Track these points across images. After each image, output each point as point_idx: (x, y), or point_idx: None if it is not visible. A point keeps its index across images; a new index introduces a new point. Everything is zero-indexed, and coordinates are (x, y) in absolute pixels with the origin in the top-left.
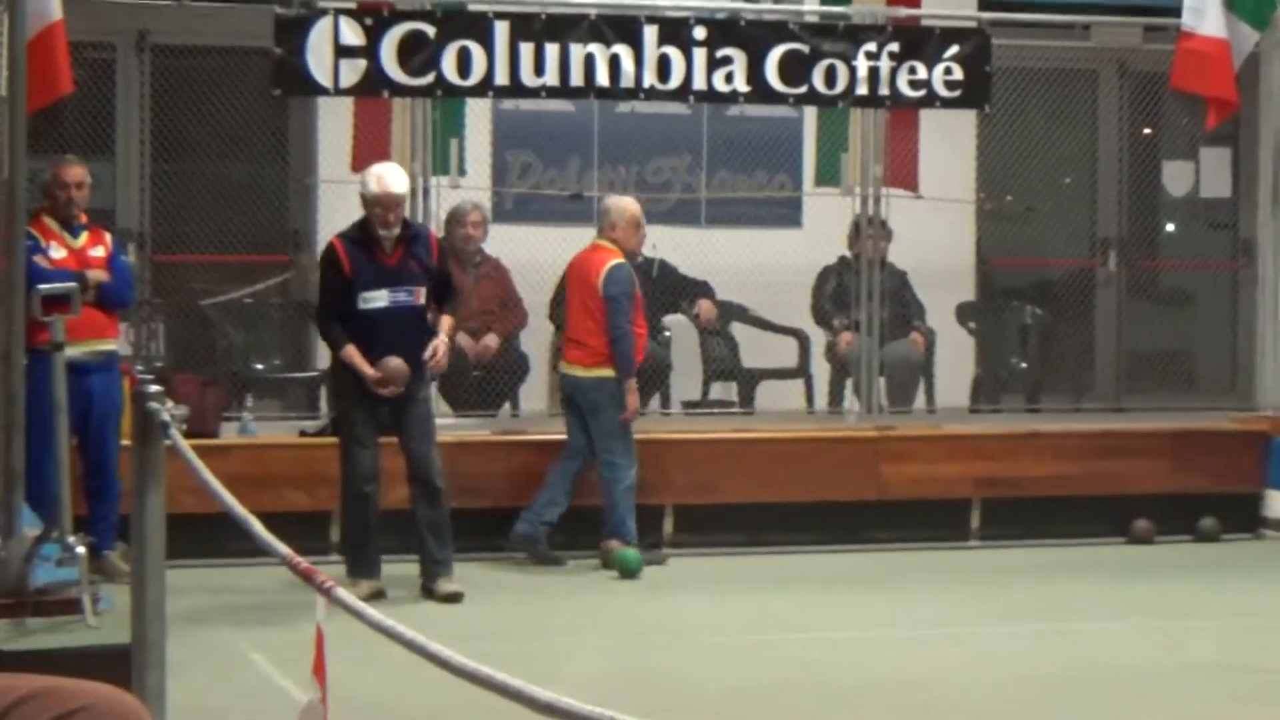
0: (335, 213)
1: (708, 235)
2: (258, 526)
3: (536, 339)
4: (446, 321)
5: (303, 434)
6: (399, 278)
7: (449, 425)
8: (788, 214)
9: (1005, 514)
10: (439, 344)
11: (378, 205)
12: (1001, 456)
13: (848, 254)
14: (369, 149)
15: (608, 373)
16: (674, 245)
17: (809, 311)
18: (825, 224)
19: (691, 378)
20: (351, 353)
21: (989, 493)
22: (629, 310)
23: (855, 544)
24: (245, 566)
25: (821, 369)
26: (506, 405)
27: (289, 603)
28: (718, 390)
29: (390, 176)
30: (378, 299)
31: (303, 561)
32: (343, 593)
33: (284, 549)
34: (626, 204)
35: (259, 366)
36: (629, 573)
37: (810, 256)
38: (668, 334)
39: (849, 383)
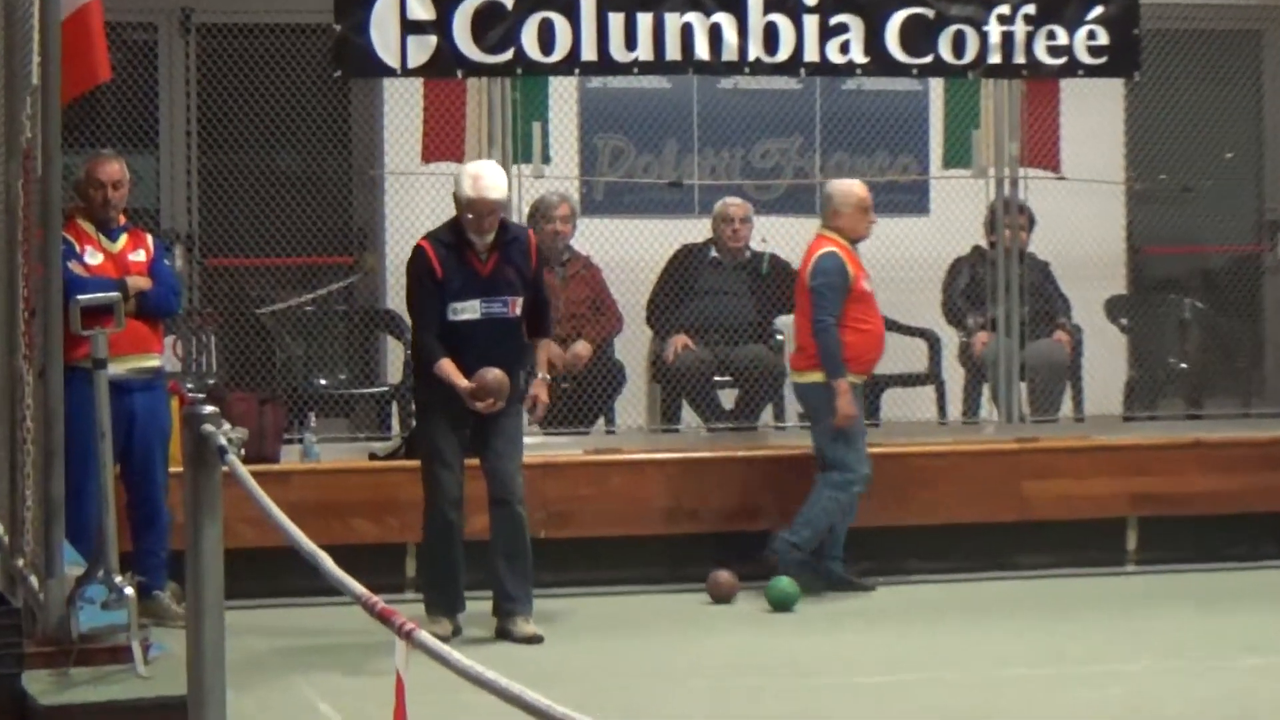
0: (404, 208)
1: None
2: (326, 561)
3: (633, 346)
4: (545, 353)
5: (373, 457)
6: (493, 287)
7: (534, 444)
8: (913, 200)
9: (1165, 534)
10: (539, 391)
11: (472, 210)
12: (1160, 470)
13: (982, 244)
14: (441, 136)
15: (818, 376)
16: (786, 238)
17: (939, 309)
18: (956, 211)
19: None
20: (447, 366)
21: (1147, 511)
22: (836, 302)
23: (995, 571)
24: (312, 606)
25: (954, 374)
26: (600, 421)
27: (360, 645)
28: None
29: (488, 178)
30: (468, 310)
31: (379, 601)
32: (425, 635)
33: (357, 587)
34: (850, 187)
35: (322, 382)
36: (783, 604)
37: (939, 247)
38: (780, 337)
39: (985, 389)
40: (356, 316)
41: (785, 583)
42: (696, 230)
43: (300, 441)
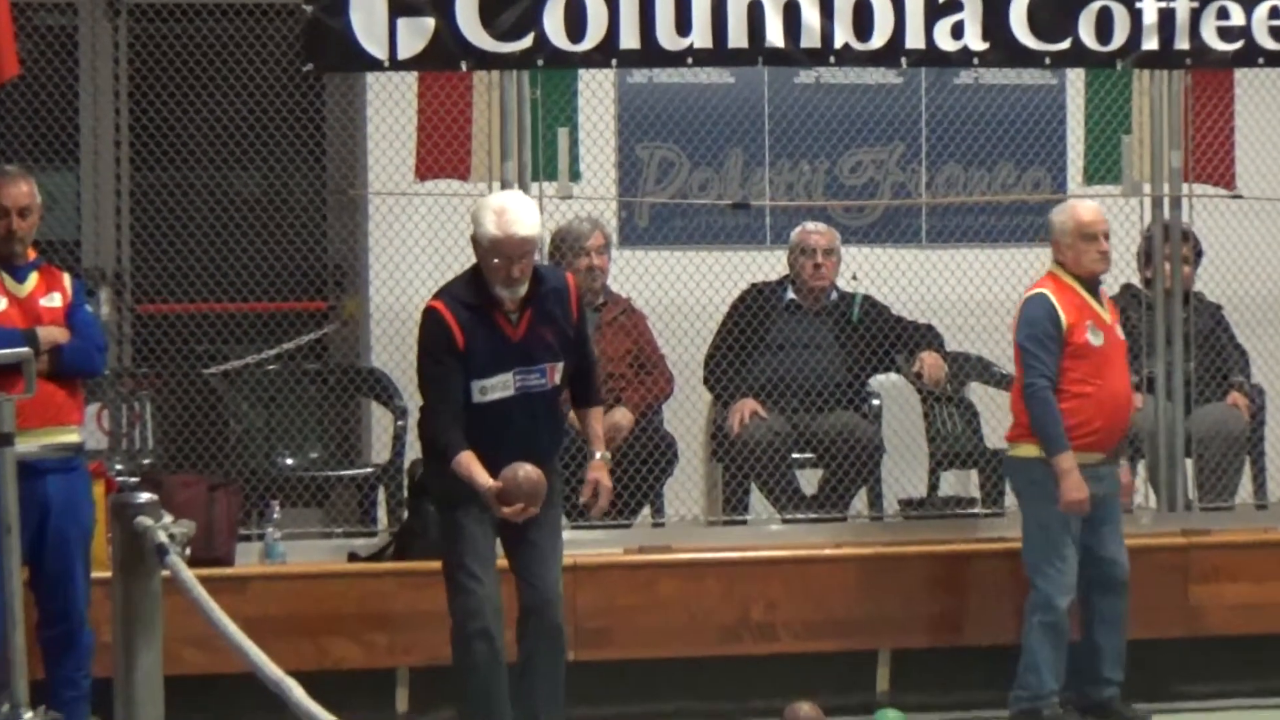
0: (393, 239)
1: (931, 258)
2: (295, 691)
3: (687, 414)
4: (598, 425)
5: (354, 558)
6: (528, 354)
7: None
8: (1046, 226)
9: None
10: (599, 475)
11: (499, 254)
12: None
13: (1135, 281)
14: (440, 147)
15: (1030, 450)
16: (882, 274)
17: None
18: None
19: (912, 464)
20: (468, 462)
21: None
22: (1046, 359)
23: (1157, 701)
24: None
25: None
26: (645, 511)
27: None
28: (950, 482)
29: (516, 210)
30: (499, 387)
31: None
32: None
33: None
34: (1068, 211)
35: (289, 461)
36: None
37: None
38: (876, 402)
39: (1141, 467)
40: (332, 378)
41: (894, 715)
42: (768, 265)
43: (261, 538)
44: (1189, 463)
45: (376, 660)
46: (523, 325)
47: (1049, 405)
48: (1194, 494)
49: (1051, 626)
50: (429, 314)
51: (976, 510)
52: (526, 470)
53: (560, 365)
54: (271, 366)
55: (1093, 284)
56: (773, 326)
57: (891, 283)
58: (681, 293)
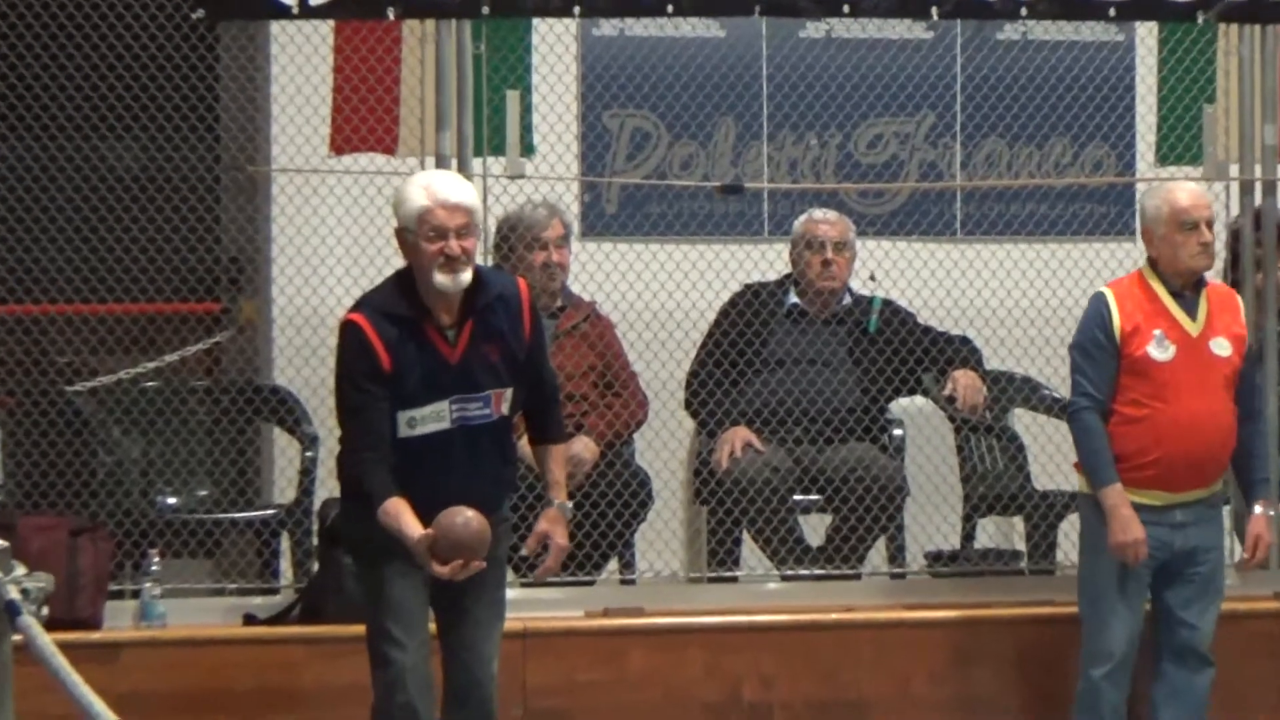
0: (302, 226)
1: (967, 255)
2: None
3: (664, 446)
4: (559, 467)
5: (251, 620)
6: (469, 378)
7: (510, 600)
8: (1111, 215)
9: None
10: (551, 528)
11: (431, 227)
12: None
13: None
14: (361, 115)
15: (1086, 484)
16: (907, 274)
17: None
18: None
19: (942, 509)
20: (398, 510)
21: None
22: (1095, 373)
23: None
24: None
25: None
26: (612, 564)
27: None
28: (989, 531)
29: (447, 178)
30: (432, 419)
31: None
32: None
33: None
34: (1161, 194)
35: (171, 502)
36: None
37: None
38: (899, 432)
39: (1231, 517)
40: (226, 398)
41: None
42: (766, 262)
43: (136, 595)
44: None
45: None
46: (461, 343)
47: (1088, 430)
48: None
49: (1084, 700)
50: (347, 330)
51: (1022, 567)
52: (466, 517)
53: (508, 392)
54: (150, 384)
55: (1190, 284)
56: (771, 338)
57: (918, 284)
58: (658, 295)
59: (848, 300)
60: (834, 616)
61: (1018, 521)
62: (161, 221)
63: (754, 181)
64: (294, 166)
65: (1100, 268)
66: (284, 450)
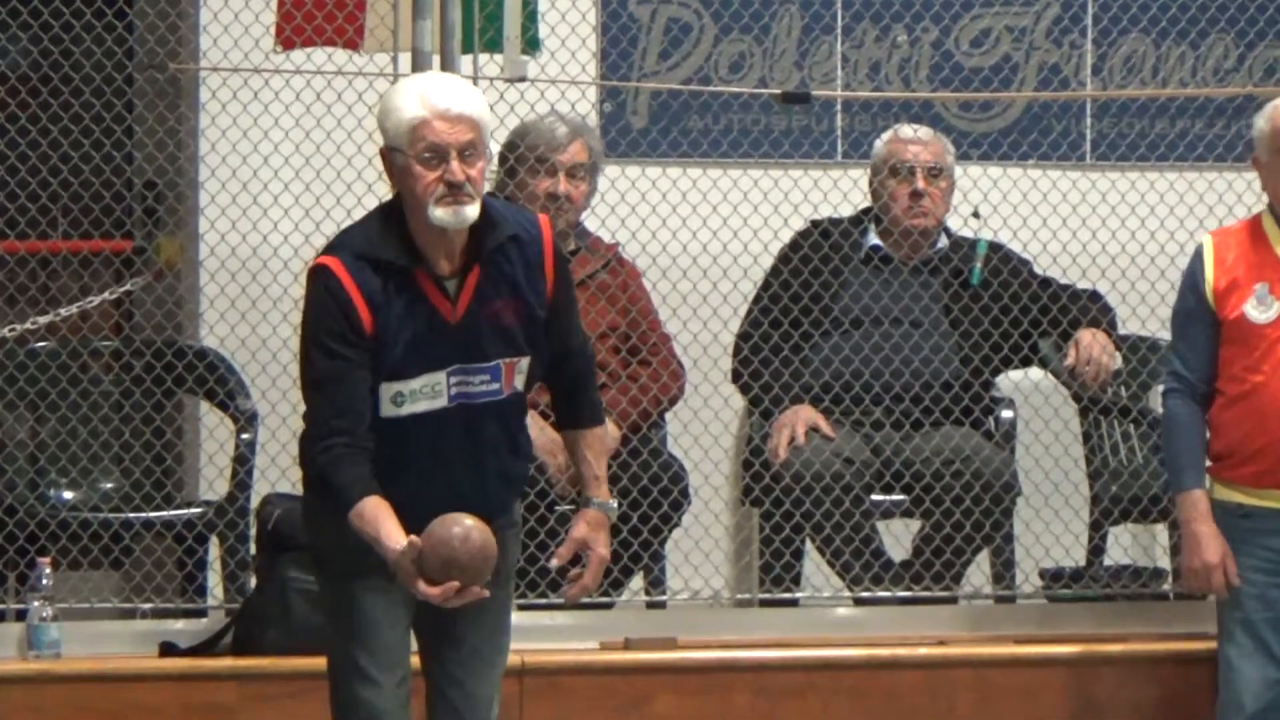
0: (238, 143)
1: (1100, 185)
2: None
3: (703, 429)
4: (596, 465)
5: (170, 650)
6: (473, 345)
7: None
8: None
9: None
10: (586, 542)
11: (426, 146)
12: None
13: None
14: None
15: (1219, 490)
16: (1021, 210)
17: None
18: None
19: (1063, 514)
20: (377, 515)
21: None
22: (1187, 342)
23: None
24: None
25: None
26: (636, 580)
27: None
28: (1125, 545)
29: (448, 83)
30: (424, 395)
31: None
32: None
33: None
34: (1268, 114)
35: (68, 497)
36: None
37: None
38: (1008, 414)
39: None
40: (139, 362)
41: None
42: (839, 193)
43: (21, 617)
44: None
45: None
46: (464, 298)
47: (1172, 418)
48: None
49: None
50: (317, 278)
51: (1165, 589)
52: (466, 528)
53: (523, 362)
54: (42, 344)
55: None
56: (845, 291)
57: (1035, 224)
58: (699, 235)
59: (944, 243)
60: (923, 652)
61: (1161, 531)
62: (58, 135)
63: (824, 88)
64: (229, 65)
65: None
66: (213, 432)
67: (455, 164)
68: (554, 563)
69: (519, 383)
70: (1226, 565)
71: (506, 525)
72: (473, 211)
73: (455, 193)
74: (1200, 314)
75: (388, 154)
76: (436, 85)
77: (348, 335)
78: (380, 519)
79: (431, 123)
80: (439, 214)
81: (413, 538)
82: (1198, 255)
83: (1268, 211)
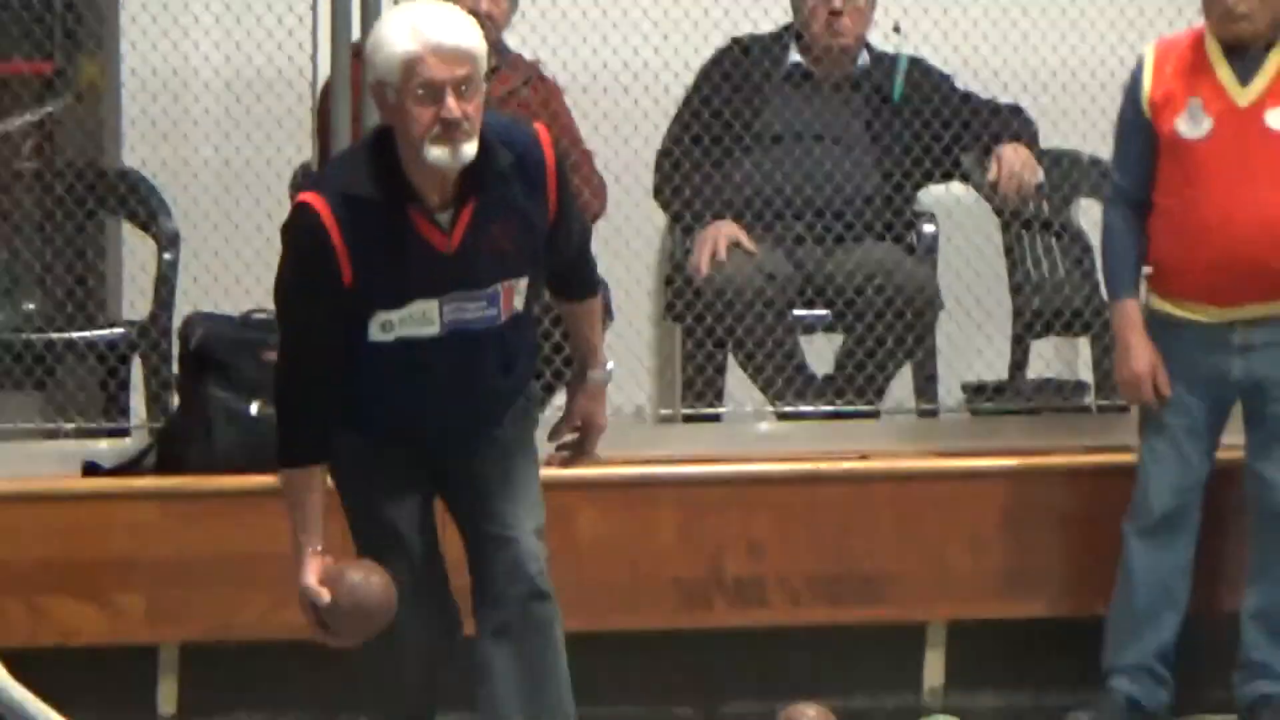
0: None
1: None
2: None
3: (625, 246)
4: (592, 337)
5: (93, 470)
6: (468, 273)
7: None
8: None
9: None
10: (589, 414)
11: (419, 82)
12: None
13: None
14: None
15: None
16: (942, 24)
17: None
18: None
19: (985, 328)
20: (303, 493)
21: None
22: (1124, 157)
23: None
24: None
25: None
26: (558, 397)
27: None
28: (1047, 358)
29: (440, 13)
30: (415, 322)
31: None
32: None
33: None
34: None
35: None
36: None
37: None
38: (930, 229)
39: None
40: (61, 183)
41: None
42: (759, 10)
43: None
44: None
45: (129, 632)
46: (459, 228)
47: (1108, 228)
48: None
49: (1122, 571)
50: (299, 217)
51: (1088, 402)
52: (363, 583)
53: (521, 283)
54: None
55: (1253, 40)
56: (766, 107)
57: (956, 38)
58: (620, 51)
59: (865, 59)
60: (845, 466)
61: (1083, 344)
62: None
63: None
64: None
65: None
66: (134, 252)
67: (452, 101)
68: (560, 438)
69: (518, 303)
70: (1157, 375)
71: (520, 407)
72: (471, 149)
73: (452, 131)
74: (1138, 125)
75: (379, 88)
76: (429, 16)
77: (321, 286)
78: (304, 507)
79: (425, 58)
80: (435, 153)
81: (318, 576)
82: (1139, 64)
83: (1210, 29)
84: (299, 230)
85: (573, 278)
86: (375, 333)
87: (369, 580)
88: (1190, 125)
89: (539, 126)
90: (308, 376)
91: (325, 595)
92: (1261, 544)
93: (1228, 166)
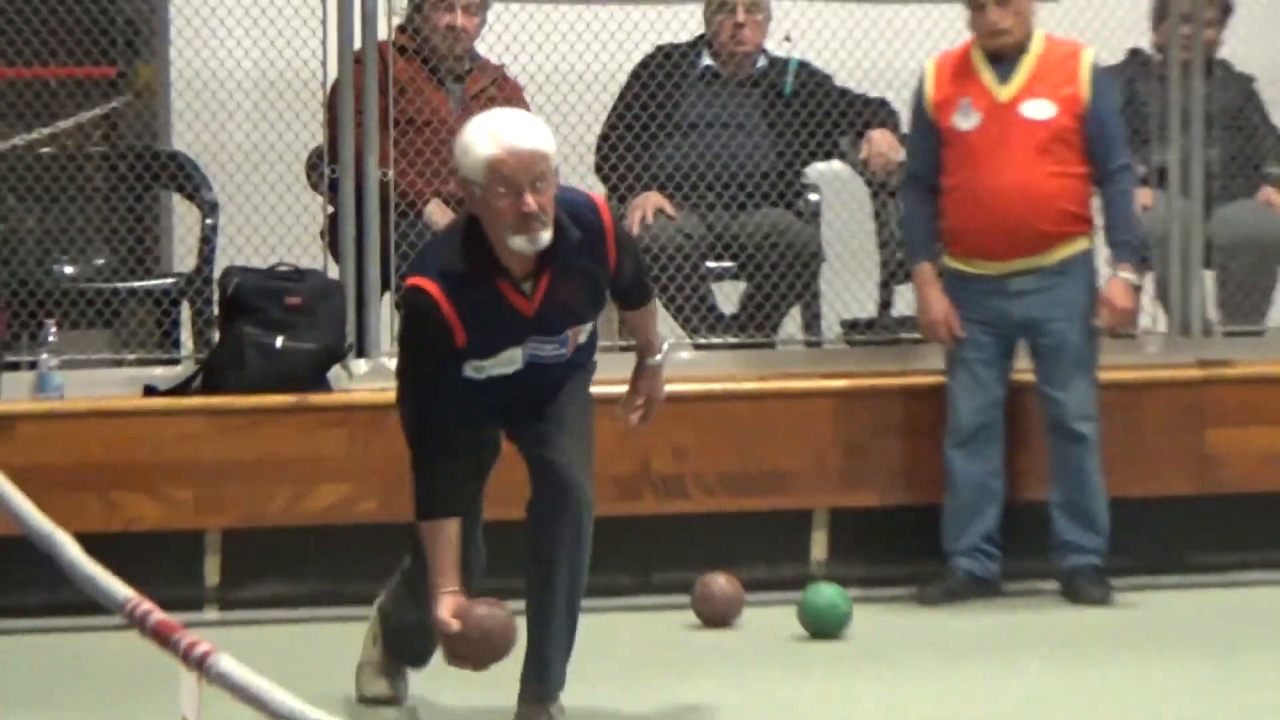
0: None
1: (885, 14)
2: (69, 548)
3: None
4: (649, 334)
5: (151, 391)
6: (545, 324)
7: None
8: None
9: None
10: (650, 393)
11: (502, 182)
12: None
13: (1144, 46)
14: None
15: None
16: (824, 34)
17: None
18: None
19: (859, 276)
20: (439, 545)
21: None
22: (914, 145)
23: (1164, 573)
24: (52, 633)
25: (1096, 255)
26: None
27: (130, 681)
28: (907, 299)
29: (516, 121)
30: (503, 364)
31: (153, 609)
32: (228, 664)
33: (117, 587)
34: None
35: (68, 271)
36: (824, 626)
37: None
38: (814, 197)
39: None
40: (123, 163)
41: (830, 592)
42: (679, 23)
43: (33, 367)
44: (1208, 275)
45: (180, 520)
46: (539, 295)
47: (905, 208)
48: (1214, 315)
49: (947, 477)
50: (415, 298)
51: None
52: (488, 616)
53: (587, 326)
54: (46, 150)
55: (1009, 49)
56: (684, 101)
57: (835, 45)
58: (568, 57)
59: (762, 62)
60: (748, 386)
61: None
62: None
63: None
64: None
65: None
66: (182, 218)
67: (529, 197)
68: (626, 412)
69: (581, 339)
70: (950, 320)
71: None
72: (547, 236)
73: (531, 222)
74: (924, 123)
75: (466, 185)
76: (506, 123)
77: (443, 353)
78: (443, 549)
79: (505, 161)
80: (518, 242)
81: (453, 611)
82: (922, 75)
83: (976, 42)
84: (418, 309)
85: (632, 294)
86: (469, 373)
87: (493, 614)
88: (963, 119)
89: (594, 197)
90: (439, 433)
91: (455, 626)
92: (1055, 449)
93: (994, 149)
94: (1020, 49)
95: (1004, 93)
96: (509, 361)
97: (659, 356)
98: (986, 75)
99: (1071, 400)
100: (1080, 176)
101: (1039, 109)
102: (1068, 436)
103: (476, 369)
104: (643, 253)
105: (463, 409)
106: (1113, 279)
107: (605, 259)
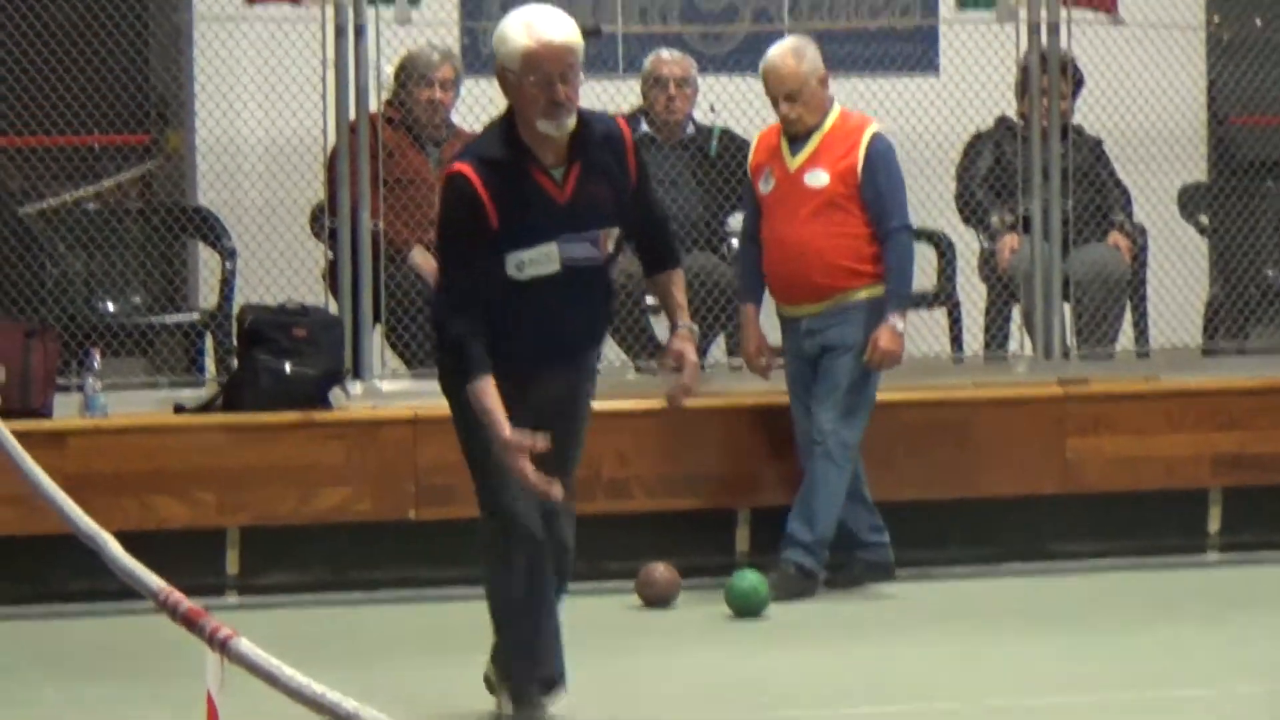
0: (220, 67)
1: None
2: (110, 544)
3: None
4: (679, 298)
5: (180, 410)
6: (577, 217)
7: (399, 391)
8: (916, 54)
9: (1259, 511)
10: (683, 347)
11: (534, 71)
12: (1253, 423)
13: (1010, 114)
14: None
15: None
16: (742, 105)
17: (951, 204)
18: (975, 68)
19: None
20: (488, 396)
21: (1234, 479)
22: (746, 206)
23: (1031, 561)
24: (95, 616)
25: (973, 291)
26: None
27: (162, 662)
28: None
29: (548, 16)
30: (541, 261)
31: (183, 599)
32: (247, 645)
33: (151, 578)
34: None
35: (110, 307)
36: (748, 606)
37: (952, 119)
38: (735, 243)
39: (1016, 311)
40: (156, 217)
41: (753, 577)
42: (620, 96)
43: (80, 389)
44: (1067, 307)
45: (204, 519)
46: (570, 183)
47: (738, 256)
48: (1072, 341)
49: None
50: (453, 181)
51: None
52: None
53: (614, 233)
54: (91, 205)
55: (807, 129)
56: None
57: (752, 114)
58: None
59: (691, 129)
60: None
61: None
62: (99, 64)
63: (609, 25)
64: (213, 15)
65: (909, 99)
66: (207, 262)
67: (559, 86)
68: (667, 365)
69: (610, 246)
70: (763, 353)
71: (588, 368)
72: (571, 122)
73: (557, 109)
74: (747, 184)
75: (502, 72)
76: (540, 18)
77: (477, 230)
78: (494, 399)
79: (538, 51)
80: (545, 125)
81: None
82: (748, 147)
83: None
84: (456, 190)
85: (660, 248)
86: (512, 271)
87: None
88: (765, 184)
89: (619, 120)
90: (472, 303)
91: (520, 439)
92: (804, 456)
93: (782, 210)
94: (813, 129)
95: (793, 164)
96: (548, 260)
97: (689, 325)
98: (785, 149)
99: (821, 417)
100: (859, 236)
101: (817, 178)
102: (810, 446)
103: (519, 265)
104: None
105: (511, 306)
106: (882, 325)
107: (626, 166)
